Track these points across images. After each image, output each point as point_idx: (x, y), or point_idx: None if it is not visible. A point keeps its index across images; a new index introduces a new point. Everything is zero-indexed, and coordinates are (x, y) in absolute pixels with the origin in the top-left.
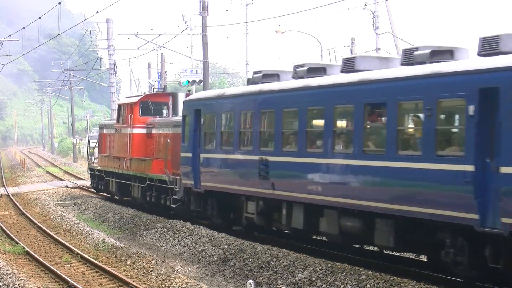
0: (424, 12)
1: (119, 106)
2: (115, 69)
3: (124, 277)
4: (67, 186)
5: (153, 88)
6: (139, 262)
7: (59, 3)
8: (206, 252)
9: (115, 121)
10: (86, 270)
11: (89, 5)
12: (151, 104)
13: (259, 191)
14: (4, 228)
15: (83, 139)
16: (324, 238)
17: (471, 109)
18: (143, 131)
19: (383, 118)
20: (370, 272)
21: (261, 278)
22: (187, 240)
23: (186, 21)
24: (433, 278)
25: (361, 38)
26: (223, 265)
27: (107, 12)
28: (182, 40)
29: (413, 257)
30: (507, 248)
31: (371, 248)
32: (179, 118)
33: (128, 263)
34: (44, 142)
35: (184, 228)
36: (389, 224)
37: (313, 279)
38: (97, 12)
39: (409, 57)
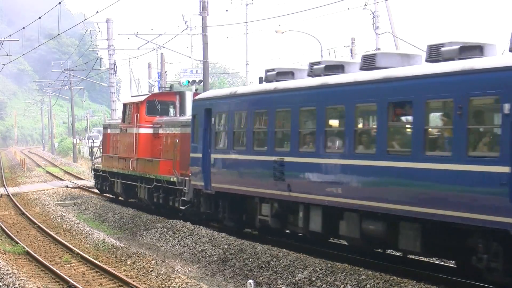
0: (424, 12)
1: (125, 105)
2: (115, 69)
3: (124, 277)
4: (67, 186)
5: (160, 87)
6: (139, 262)
7: (59, 3)
8: (206, 252)
9: (119, 120)
10: (86, 270)
11: (89, 5)
12: (158, 103)
13: (274, 193)
14: (4, 228)
15: (83, 139)
16: (343, 242)
17: (507, 107)
18: (150, 131)
19: (409, 117)
20: (370, 272)
21: (261, 278)
22: (187, 240)
23: (186, 21)
24: (433, 278)
25: (361, 38)
26: (223, 265)
27: (107, 12)
28: (182, 40)
29: (412, 257)
30: None
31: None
32: (187, 117)
33: (128, 263)
34: (44, 142)
35: (184, 228)
36: (415, 228)
37: (313, 279)
38: (97, 12)
39: (435, 54)
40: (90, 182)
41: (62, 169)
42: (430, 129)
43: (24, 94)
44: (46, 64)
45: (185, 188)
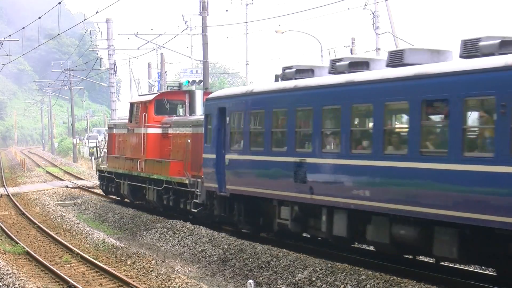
0: (424, 12)
1: (132, 104)
2: (115, 69)
3: (124, 277)
4: (67, 186)
5: (167, 86)
6: (139, 262)
7: (59, 3)
8: (206, 252)
9: (125, 120)
10: (86, 270)
11: (89, 5)
12: (167, 103)
13: (295, 196)
14: (4, 228)
15: (83, 139)
16: (369, 247)
17: None
18: (158, 131)
19: (444, 116)
20: (370, 272)
21: (261, 278)
22: (187, 240)
23: (186, 21)
24: (433, 278)
25: (361, 38)
26: (223, 265)
27: (107, 12)
28: (182, 40)
29: (412, 257)
30: None
31: (370, 248)
32: (199, 117)
33: (128, 263)
34: (44, 142)
35: (184, 228)
36: (452, 233)
37: (313, 279)
38: (97, 12)
39: (471, 49)
40: (90, 182)
41: (62, 169)
42: (468, 129)
43: (24, 94)
44: (46, 64)
45: (197, 190)
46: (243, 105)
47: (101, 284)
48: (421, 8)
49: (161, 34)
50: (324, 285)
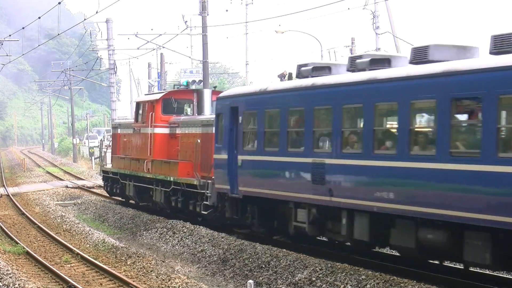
0: (424, 12)
1: (138, 103)
2: (115, 69)
3: (124, 277)
4: (67, 186)
5: (174, 85)
6: (139, 262)
7: (59, 3)
8: (206, 252)
9: (130, 120)
10: (86, 270)
11: (89, 5)
12: (174, 102)
13: (313, 198)
14: (4, 228)
15: (82, 139)
16: (390, 251)
17: None
18: (166, 131)
19: (477, 115)
20: (370, 272)
21: (261, 278)
22: (187, 240)
23: (186, 21)
24: (433, 278)
25: (361, 38)
26: (223, 265)
27: (107, 12)
28: (182, 40)
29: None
30: None
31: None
32: (209, 116)
33: (128, 263)
34: (44, 142)
35: (184, 228)
36: (485, 238)
37: (313, 279)
38: (97, 12)
39: (503, 45)
40: (90, 182)
41: (62, 169)
42: (504, 128)
43: (24, 94)
44: (46, 64)
45: (207, 191)
46: (257, 104)
47: (101, 284)
48: (421, 8)
49: (161, 34)
50: (324, 285)
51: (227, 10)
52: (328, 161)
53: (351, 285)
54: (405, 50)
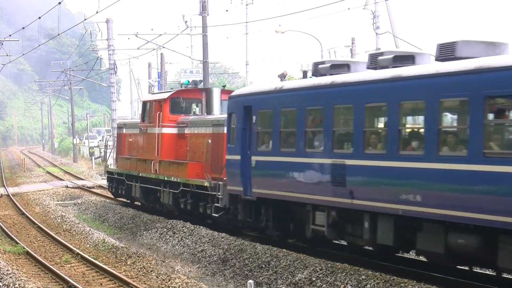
0: (424, 12)
1: (144, 103)
2: (115, 69)
3: (124, 277)
4: (67, 186)
5: (181, 84)
6: (139, 262)
7: (59, 3)
8: (206, 252)
9: (136, 120)
10: (86, 270)
11: (89, 5)
12: (183, 101)
13: (332, 200)
14: (4, 228)
15: (81, 139)
16: (418, 257)
17: None
18: (174, 130)
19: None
20: (370, 272)
21: (261, 278)
22: (187, 240)
23: (186, 21)
24: (433, 278)
25: (361, 38)
26: (223, 265)
27: (107, 12)
28: (182, 40)
29: (413, 257)
30: None
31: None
32: (218, 116)
33: (128, 263)
34: (44, 142)
35: (184, 228)
36: None
37: (313, 279)
38: (97, 12)
39: None
40: (90, 182)
41: (62, 169)
42: None
43: (24, 94)
44: (46, 64)
45: (218, 193)
46: (272, 103)
47: (101, 284)
48: (421, 8)
49: (161, 34)
50: (324, 285)
51: (227, 10)
52: (349, 162)
53: (351, 285)
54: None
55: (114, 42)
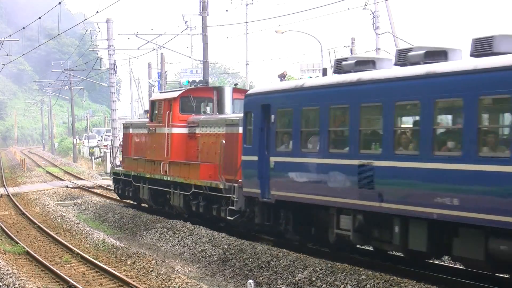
0: (424, 12)
1: (152, 102)
2: (115, 69)
3: (124, 277)
4: (67, 186)
5: (192, 82)
6: (139, 262)
7: (59, 3)
8: (206, 252)
9: (143, 119)
10: (86, 270)
11: (89, 5)
12: (193, 100)
13: (359, 203)
14: (4, 228)
15: (81, 139)
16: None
17: None
18: (184, 130)
19: None
20: (370, 272)
21: (261, 278)
22: (187, 240)
23: (186, 21)
24: (433, 278)
25: (361, 38)
26: (223, 265)
27: (107, 12)
28: (182, 40)
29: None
30: None
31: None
32: (232, 115)
33: (128, 263)
34: (44, 142)
35: (184, 228)
36: None
37: (313, 279)
38: (97, 12)
39: None
40: (90, 182)
41: (62, 169)
42: None
43: (24, 94)
44: (46, 64)
45: (233, 196)
46: (292, 101)
47: (101, 284)
48: (421, 8)
49: (161, 34)
50: (324, 285)
51: (227, 10)
52: (377, 163)
53: (351, 285)
54: None
55: (114, 42)
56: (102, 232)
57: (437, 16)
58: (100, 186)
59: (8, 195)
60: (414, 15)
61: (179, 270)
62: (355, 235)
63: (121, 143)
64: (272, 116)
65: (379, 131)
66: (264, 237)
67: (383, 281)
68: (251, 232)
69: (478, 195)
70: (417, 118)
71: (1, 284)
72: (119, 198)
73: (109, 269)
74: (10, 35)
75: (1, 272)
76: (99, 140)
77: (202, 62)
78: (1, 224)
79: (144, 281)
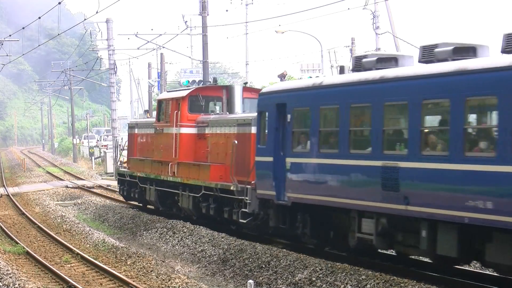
0: (424, 12)
1: (160, 101)
2: (115, 69)
3: (124, 277)
4: (67, 186)
5: (199, 81)
6: (139, 262)
7: (59, 3)
8: (206, 252)
9: (150, 119)
10: (86, 270)
11: (89, 5)
12: (202, 99)
13: (383, 206)
14: (4, 228)
15: (80, 139)
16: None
17: None
18: (193, 130)
19: None
20: (370, 272)
21: (261, 278)
22: (187, 240)
23: (186, 21)
24: (433, 278)
25: (361, 38)
26: (223, 265)
27: (107, 12)
28: (182, 40)
29: (412, 257)
30: None
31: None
32: (244, 115)
33: (128, 263)
34: (44, 142)
35: (184, 228)
36: None
37: (313, 279)
38: (97, 12)
39: None
40: (90, 182)
41: (62, 169)
42: None
43: (24, 94)
44: (46, 64)
45: (246, 198)
46: (310, 100)
47: (101, 284)
48: (421, 8)
49: (161, 34)
50: (324, 285)
51: (227, 10)
52: (403, 164)
53: (351, 285)
54: (405, 50)
55: (114, 42)
56: (102, 232)
57: (437, 16)
58: (100, 186)
59: (8, 195)
60: (414, 15)
61: (179, 270)
62: (379, 239)
63: (121, 143)
64: (288, 116)
65: (405, 131)
66: (279, 240)
67: (383, 281)
68: (265, 236)
69: None
70: (446, 117)
71: (1, 284)
72: (123, 200)
73: (109, 269)
74: (10, 35)
75: (1, 272)
76: (97, 140)
77: (202, 62)
78: (1, 224)
79: (144, 281)
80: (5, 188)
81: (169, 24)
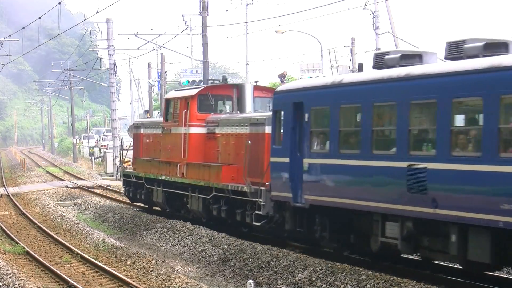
0: (424, 12)
1: (168, 100)
2: (115, 69)
3: (124, 277)
4: (67, 186)
5: (208, 79)
6: (139, 262)
7: (59, 3)
8: (206, 252)
9: (157, 119)
10: (86, 270)
11: (89, 5)
12: (212, 98)
13: (409, 209)
14: (4, 228)
15: (80, 139)
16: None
17: None
18: (203, 130)
19: None
20: (370, 272)
21: (261, 278)
22: (187, 240)
23: (186, 21)
24: (433, 278)
25: (361, 38)
26: (223, 265)
27: (107, 12)
28: (182, 40)
29: (412, 257)
30: None
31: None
32: (257, 114)
33: (128, 263)
34: (44, 142)
35: (184, 228)
36: None
37: (313, 279)
38: (97, 12)
39: None
40: (90, 182)
41: (62, 169)
42: None
43: (24, 94)
44: (46, 64)
45: (260, 200)
46: (329, 98)
47: (101, 284)
48: (421, 8)
49: (161, 34)
50: (324, 285)
51: (227, 10)
52: (431, 165)
53: (351, 285)
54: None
55: (114, 42)
56: (102, 232)
57: (436, 16)
58: (100, 186)
59: (8, 195)
60: (414, 15)
61: (179, 270)
62: (404, 244)
63: (120, 144)
64: (306, 115)
65: (433, 130)
66: (295, 244)
67: (383, 281)
68: (279, 239)
69: None
70: (479, 116)
71: (1, 284)
72: (129, 201)
73: (109, 269)
74: (10, 35)
75: (1, 272)
76: (97, 140)
77: (202, 62)
78: (1, 224)
79: (144, 281)
80: (5, 188)
81: (169, 24)
